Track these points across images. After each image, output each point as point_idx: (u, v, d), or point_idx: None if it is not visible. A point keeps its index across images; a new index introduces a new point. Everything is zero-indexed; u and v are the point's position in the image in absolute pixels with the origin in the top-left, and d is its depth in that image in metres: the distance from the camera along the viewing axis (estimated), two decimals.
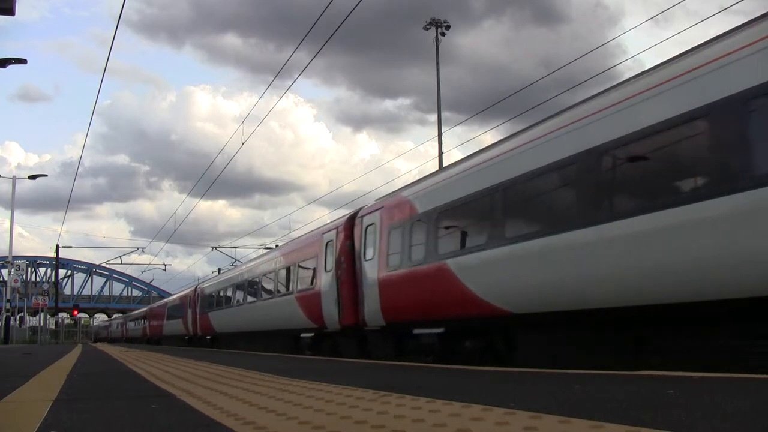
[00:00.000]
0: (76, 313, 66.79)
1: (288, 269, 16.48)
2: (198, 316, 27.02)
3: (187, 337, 29.89)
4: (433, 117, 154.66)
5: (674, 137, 6.21)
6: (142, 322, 47.46)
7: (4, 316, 39.66)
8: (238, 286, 21.53)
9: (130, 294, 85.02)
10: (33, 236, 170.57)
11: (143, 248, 70.19)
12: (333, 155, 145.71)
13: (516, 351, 8.53)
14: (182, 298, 32.24)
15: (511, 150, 8.57)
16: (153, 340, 41.93)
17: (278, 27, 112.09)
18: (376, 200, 12.71)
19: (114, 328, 70.59)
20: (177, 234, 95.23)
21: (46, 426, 3.13)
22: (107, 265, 66.48)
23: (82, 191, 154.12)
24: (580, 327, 7.29)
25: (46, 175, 44.51)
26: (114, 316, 79.97)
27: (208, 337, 25.83)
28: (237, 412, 3.43)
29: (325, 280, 13.58)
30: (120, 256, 53.64)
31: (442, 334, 9.74)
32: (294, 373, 6.52)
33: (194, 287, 30.04)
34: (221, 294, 23.79)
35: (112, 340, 65.56)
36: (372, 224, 11.84)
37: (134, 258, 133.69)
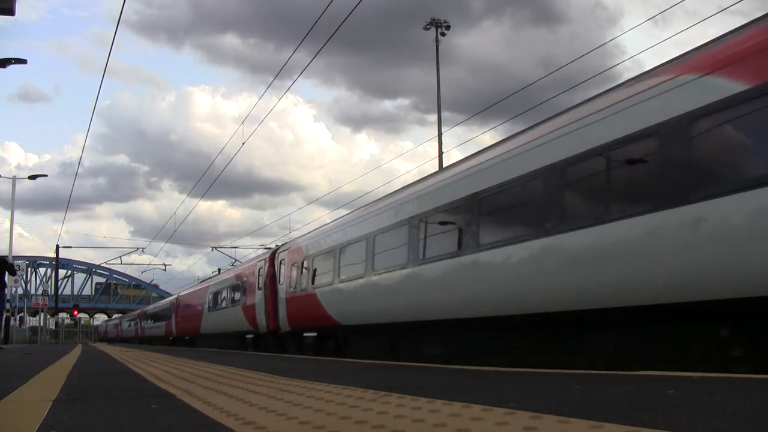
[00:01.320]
0: (76, 313, 66.78)
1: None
2: (283, 300, 16.54)
3: (251, 336, 20.29)
4: (433, 117, 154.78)
5: None
6: (167, 316, 37.14)
7: (5, 316, 39.61)
8: (425, 221, 10.41)
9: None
10: (33, 236, 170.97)
11: (143, 248, 70.20)
12: (332, 155, 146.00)
13: None
14: (242, 276, 21.58)
15: None
16: (183, 340, 31.94)
17: (278, 27, 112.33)
18: None
19: (126, 326, 59.72)
20: (177, 234, 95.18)
21: (46, 426, 3.13)
22: (107, 265, 66.55)
23: (81, 191, 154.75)
24: None
25: (46, 175, 44.41)
26: (114, 316, 79.57)
27: (310, 334, 15.20)
28: (237, 412, 3.43)
29: None
30: (120, 256, 53.62)
31: None
32: (294, 373, 6.52)
33: (271, 253, 18.79)
34: (366, 247, 12.24)
35: (123, 340, 56.80)
36: None
37: (134, 258, 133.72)
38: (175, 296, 36.53)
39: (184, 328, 31.43)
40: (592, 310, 6.88)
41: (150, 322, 45.01)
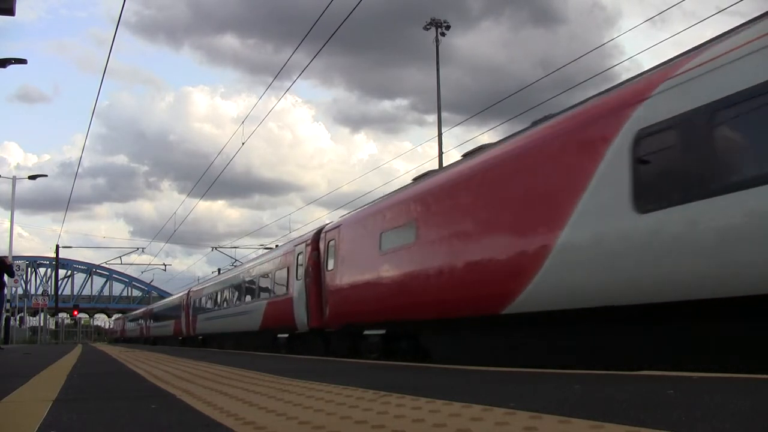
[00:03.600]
0: (76, 313, 66.77)
1: None
2: None
3: None
4: (431, 118, 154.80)
5: None
6: (265, 290, 19.21)
7: (4, 316, 39.56)
8: None
9: (130, 294, 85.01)
10: (33, 236, 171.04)
11: (143, 248, 70.10)
12: (331, 155, 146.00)
13: None
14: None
15: None
16: (329, 339, 14.11)
17: (276, 28, 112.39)
18: None
19: (154, 323, 41.72)
20: (176, 234, 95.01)
21: (46, 426, 3.13)
22: (107, 265, 66.52)
23: (81, 191, 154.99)
24: None
25: (46, 176, 44.35)
26: (114, 316, 79.22)
27: None
28: (237, 412, 3.43)
29: None
30: (120, 257, 53.51)
31: None
32: (294, 373, 6.52)
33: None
34: None
35: (149, 341, 41.44)
36: None
37: (134, 258, 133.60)
38: (290, 246, 17.20)
39: (356, 305, 12.50)
40: None
41: (212, 308, 25.51)
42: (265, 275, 19.11)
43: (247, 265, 23.17)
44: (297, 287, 15.72)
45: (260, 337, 19.04)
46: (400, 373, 6.64)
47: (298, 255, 16.03)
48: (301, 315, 15.29)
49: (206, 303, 27.21)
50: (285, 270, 16.95)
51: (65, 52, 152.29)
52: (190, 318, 29.48)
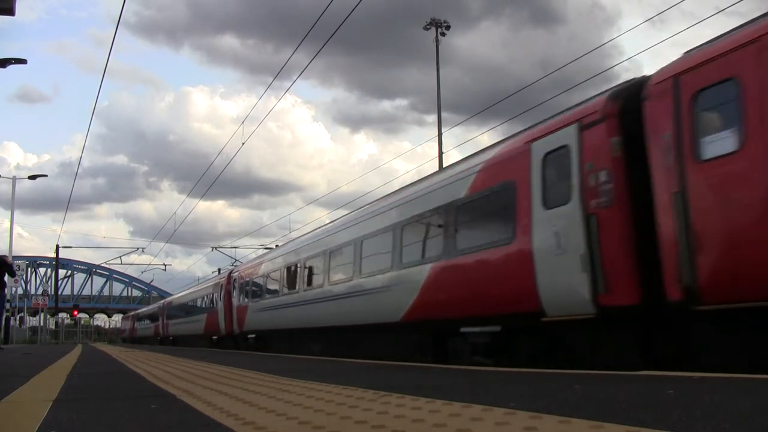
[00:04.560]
0: (76, 313, 66.75)
1: None
2: None
3: None
4: (431, 118, 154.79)
5: None
6: (349, 266, 12.61)
7: (5, 316, 39.49)
8: None
9: (130, 294, 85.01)
10: (33, 236, 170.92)
11: (143, 248, 69.93)
12: (331, 155, 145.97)
13: None
14: None
15: None
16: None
17: (276, 28, 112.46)
18: None
19: (173, 319, 33.61)
20: (176, 234, 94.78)
21: (46, 426, 3.13)
22: (107, 265, 66.47)
23: (81, 191, 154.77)
24: None
25: (46, 176, 44.32)
26: (113, 315, 78.90)
27: None
28: (237, 412, 3.43)
29: None
30: (120, 257, 53.43)
31: None
32: (294, 373, 6.52)
33: None
34: None
35: (166, 341, 34.80)
36: None
37: (134, 258, 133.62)
38: (514, 144, 8.45)
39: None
40: None
41: (281, 291, 17.03)
42: (420, 218, 10.55)
43: (369, 207, 13.44)
44: (543, 225, 7.61)
45: (403, 333, 10.97)
46: (400, 373, 6.64)
47: (552, 153, 7.62)
48: (559, 282, 7.27)
49: (269, 283, 18.45)
50: (493, 193, 8.70)
51: (65, 52, 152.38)
52: (234, 309, 21.22)
